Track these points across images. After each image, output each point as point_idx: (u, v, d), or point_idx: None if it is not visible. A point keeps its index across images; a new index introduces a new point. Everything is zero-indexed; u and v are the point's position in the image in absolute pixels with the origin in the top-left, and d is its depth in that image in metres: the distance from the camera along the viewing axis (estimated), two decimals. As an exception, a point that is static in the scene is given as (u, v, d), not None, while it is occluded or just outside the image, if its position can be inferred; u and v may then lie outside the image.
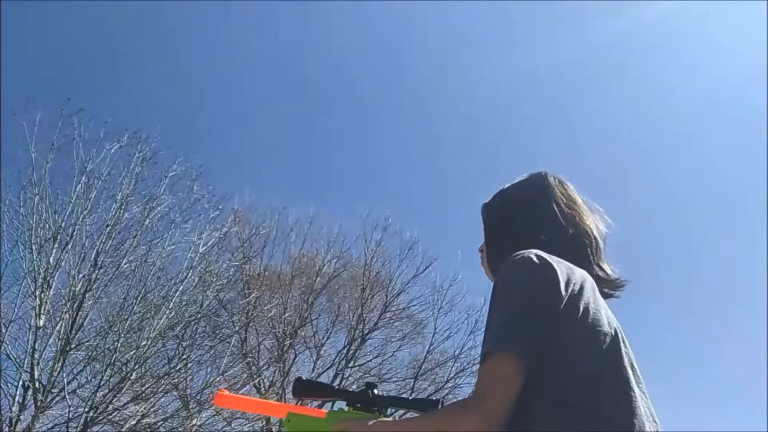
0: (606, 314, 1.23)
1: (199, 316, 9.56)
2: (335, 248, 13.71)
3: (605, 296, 1.33)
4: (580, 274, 1.25)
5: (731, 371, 15.66)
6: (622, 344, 1.21)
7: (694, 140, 18.74)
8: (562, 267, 1.22)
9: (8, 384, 8.09)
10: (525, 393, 1.09)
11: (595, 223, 1.39)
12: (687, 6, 15.26)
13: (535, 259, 1.21)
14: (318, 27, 17.60)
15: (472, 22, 17.21)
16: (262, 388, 11.70)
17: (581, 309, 1.18)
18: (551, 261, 1.21)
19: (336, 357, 13.04)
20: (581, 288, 1.21)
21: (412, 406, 1.38)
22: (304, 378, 1.39)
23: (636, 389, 1.17)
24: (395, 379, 13.10)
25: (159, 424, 8.97)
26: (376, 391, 1.33)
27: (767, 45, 12.96)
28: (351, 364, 12.82)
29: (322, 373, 12.99)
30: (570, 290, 1.19)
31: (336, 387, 1.40)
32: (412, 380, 12.73)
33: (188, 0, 15.29)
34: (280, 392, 11.98)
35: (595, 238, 1.37)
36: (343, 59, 18.70)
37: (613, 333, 1.20)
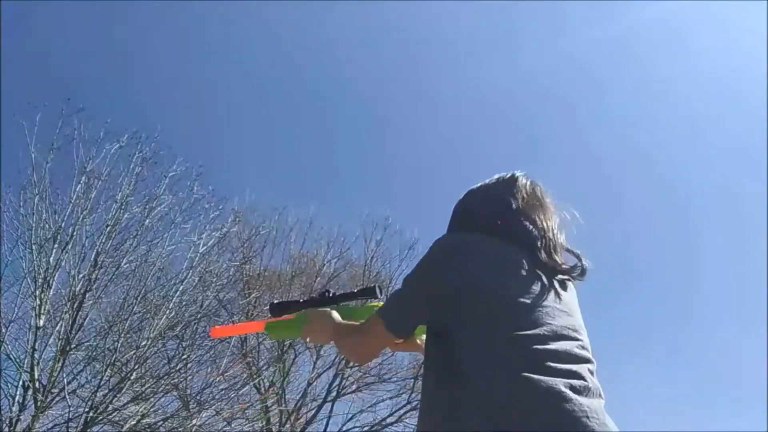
0: (526, 287, 1.32)
1: (199, 316, 9.53)
2: (335, 248, 13.73)
3: (563, 282, 1.42)
4: (494, 251, 1.37)
5: (731, 371, 15.66)
6: (546, 307, 1.30)
7: (694, 140, 18.74)
8: (473, 245, 1.37)
9: (8, 384, 8.09)
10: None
11: (553, 221, 1.50)
12: (687, 6, 15.26)
13: (451, 239, 1.43)
14: (319, 27, 17.62)
15: (472, 22, 17.23)
16: (262, 388, 11.69)
17: (486, 281, 1.30)
18: (464, 241, 1.39)
19: (336, 357, 13.02)
20: (492, 263, 1.34)
21: (355, 296, 1.73)
22: (276, 301, 1.73)
23: (553, 345, 1.24)
24: (395, 379, 13.08)
25: (159, 424, 8.94)
26: (331, 291, 1.72)
27: (767, 45, 12.96)
28: (351, 365, 12.81)
29: (322, 373, 12.99)
30: (474, 265, 1.33)
31: (302, 300, 1.72)
32: (412, 380, 12.72)
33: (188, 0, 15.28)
34: (280, 392, 11.98)
35: (546, 235, 1.46)
36: (343, 59, 18.72)
37: (530, 301, 1.30)
